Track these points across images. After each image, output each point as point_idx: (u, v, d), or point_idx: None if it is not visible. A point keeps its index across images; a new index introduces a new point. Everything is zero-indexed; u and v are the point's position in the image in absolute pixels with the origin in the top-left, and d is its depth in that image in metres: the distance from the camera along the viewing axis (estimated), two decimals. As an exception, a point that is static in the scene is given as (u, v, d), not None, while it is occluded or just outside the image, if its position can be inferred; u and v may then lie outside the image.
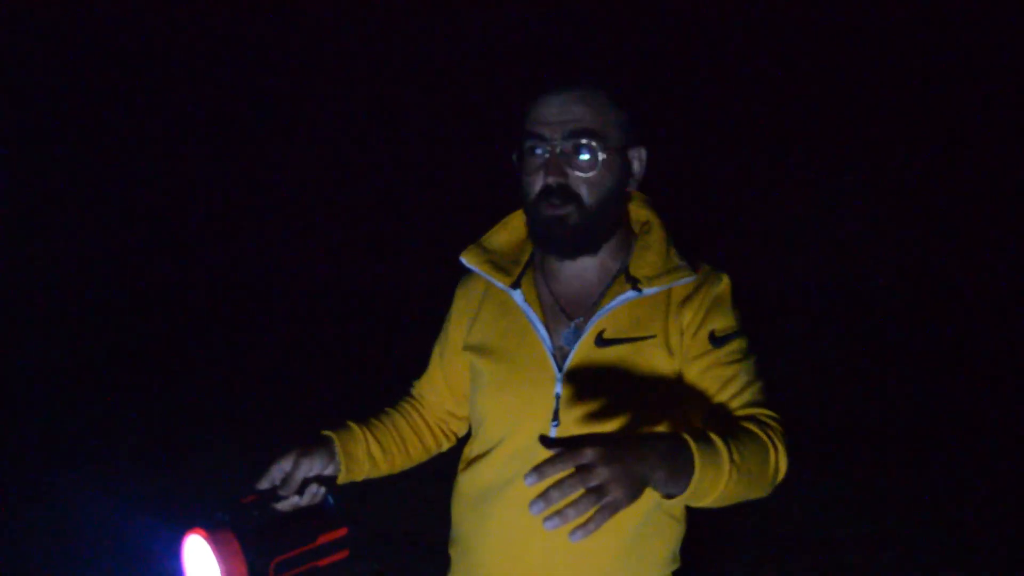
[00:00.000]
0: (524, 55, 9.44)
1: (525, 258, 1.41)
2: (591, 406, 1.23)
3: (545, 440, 0.89)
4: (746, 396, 1.19)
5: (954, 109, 8.74)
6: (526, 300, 1.33)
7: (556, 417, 1.25)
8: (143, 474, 4.23)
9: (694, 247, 1.34)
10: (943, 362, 6.30)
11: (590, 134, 1.22)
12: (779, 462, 1.11)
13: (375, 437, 1.42)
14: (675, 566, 1.34)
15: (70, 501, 3.88)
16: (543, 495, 0.83)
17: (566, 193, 1.23)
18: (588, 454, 0.85)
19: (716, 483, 0.99)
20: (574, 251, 1.29)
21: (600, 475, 0.84)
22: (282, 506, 1.13)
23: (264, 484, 1.15)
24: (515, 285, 1.35)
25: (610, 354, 1.24)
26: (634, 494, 0.87)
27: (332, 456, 1.30)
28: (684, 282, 1.27)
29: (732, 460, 1.01)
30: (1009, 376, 5.87)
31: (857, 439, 4.85)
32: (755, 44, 9.35)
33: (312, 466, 1.23)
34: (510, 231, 1.44)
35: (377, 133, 10.66)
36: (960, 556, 3.48)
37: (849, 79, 9.20)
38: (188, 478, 4.19)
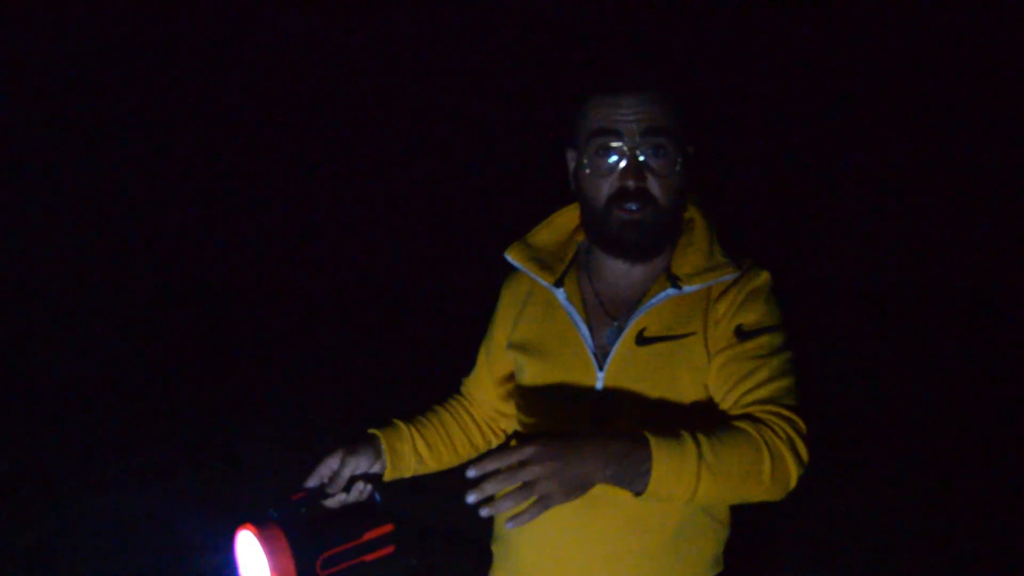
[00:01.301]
0: (551, 53, 9.44)
1: (569, 256, 1.41)
2: (631, 403, 1.23)
3: (508, 437, 0.97)
4: (760, 393, 1.15)
5: (984, 103, 8.52)
6: (569, 299, 1.33)
7: (596, 415, 1.26)
8: (197, 468, 4.33)
9: (741, 244, 1.31)
10: (958, 364, 6.17)
11: (668, 135, 1.21)
12: (776, 462, 1.07)
13: (421, 435, 1.44)
14: (717, 569, 1.32)
15: (124, 494, 3.99)
16: (479, 488, 0.93)
17: (644, 196, 1.21)
18: (526, 451, 0.94)
19: (680, 480, 1.01)
20: (645, 254, 1.28)
21: (532, 472, 0.93)
22: (330, 503, 1.17)
23: (312, 482, 1.19)
24: (559, 283, 1.35)
25: (651, 352, 1.23)
26: (569, 491, 0.95)
27: (378, 454, 1.32)
28: (725, 279, 1.24)
29: (701, 457, 1.02)
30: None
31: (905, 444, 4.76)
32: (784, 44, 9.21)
33: (358, 464, 1.26)
34: (554, 229, 1.44)
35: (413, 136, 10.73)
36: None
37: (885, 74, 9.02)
38: (242, 473, 4.28)
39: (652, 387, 1.22)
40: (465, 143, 10.60)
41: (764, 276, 1.26)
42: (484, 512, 0.93)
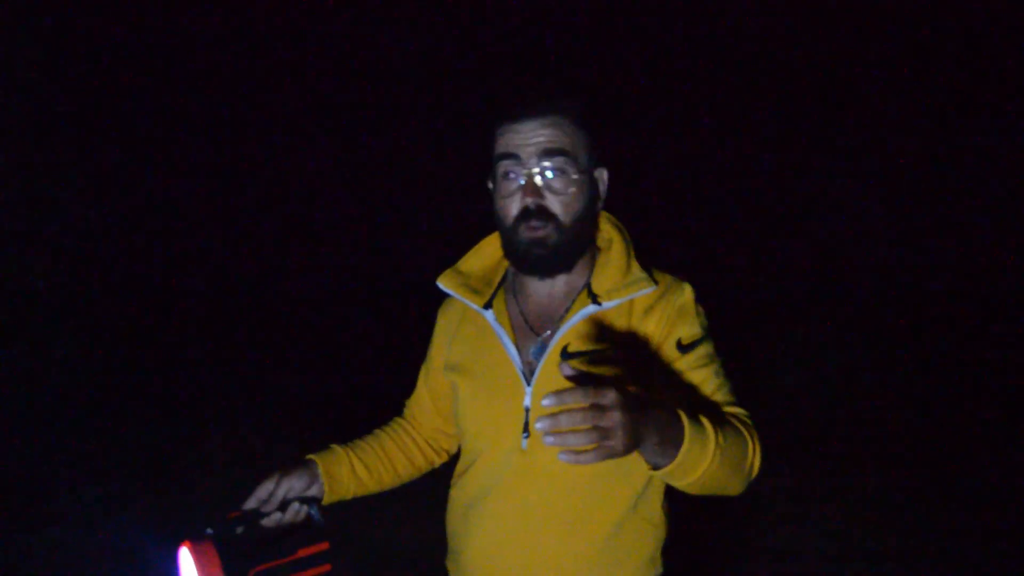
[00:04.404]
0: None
1: (498, 279, 1.49)
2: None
3: (565, 368, 0.97)
4: (719, 397, 1.25)
5: (975, 105, 8.65)
6: (497, 320, 1.40)
7: (526, 429, 1.32)
8: (150, 497, 4.28)
9: (657, 259, 1.40)
10: (955, 370, 6.31)
11: (563, 155, 1.28)
12: (754, 458, 1.17)
13: (360, 458, 1.49)
14: (656, 570, 1.38)
15: (76, 519, 3.93)
16: (553, 416, 0.90)
17: (544, 214, 1.29)
18: (610, 396, 0.92)
19: (700, 461, 1.06)
20: (552, 270, 1.35)
21: (612, 418, 0.91)
22: (267, 522, 1.21)
23: (250, 503, 1.24)
24: (487, 306, 1.42)
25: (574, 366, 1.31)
26: (629, 448, 0.94)
27: (315, 477, 1.38)
28: (643, 293, 1.31)
29: (718, 443, 1.08)
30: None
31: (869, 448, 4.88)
32: (758, 42, 9.35)
33: (293, 486, 1.32)
34: (483, 255, 1.51)
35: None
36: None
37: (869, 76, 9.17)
38: (197, 500, 4.24)
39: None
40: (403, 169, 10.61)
41: (687, 290, 1.33)
42: (548, 440, 0.90)
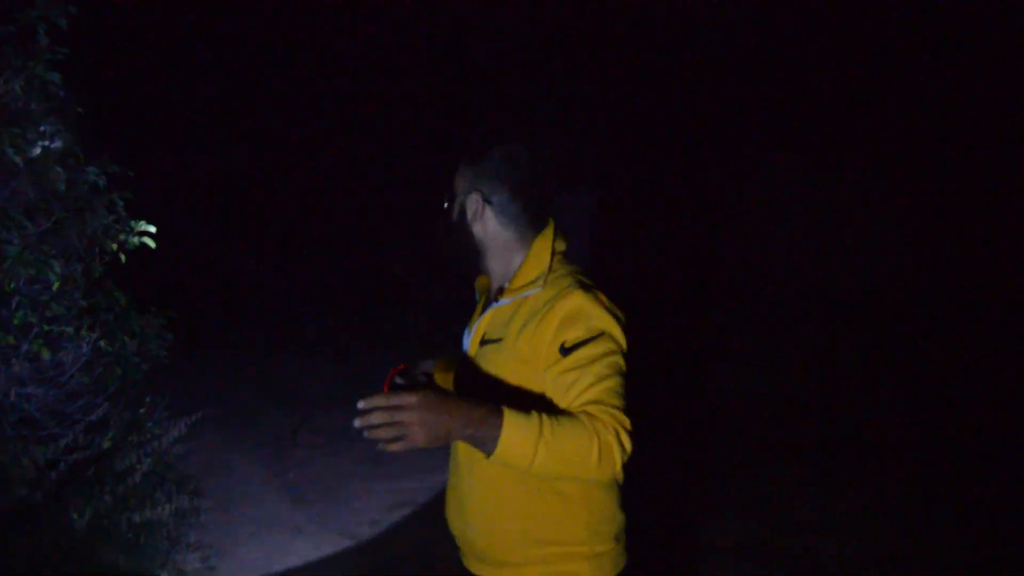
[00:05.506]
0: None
1: None
2: (470, 392, 1.50)
3: (395, 382, 1.41)
4: (587, 395, 1.37)
5: (961, 106, 8.69)
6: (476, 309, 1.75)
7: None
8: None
9: (572, 268, 1.57)
10: (948, 371, 6.35)
11: (447, 188, 1.65)
12: (603, 448, 1.29)
13: None
14: (594, 549, 1.52)
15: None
16: (366, 414, 1.20)
17: (446, 231, 1.65)
18: (406, 399, 1.21)
19: (523, 452, 1.25)
20: (458, 270, 1.69)
21: (407, 417, 1.20)
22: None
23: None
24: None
25: (484, 352, 1.56)
26: (432, 440, 1.22)
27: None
28: (528, 294, 1.52)
29: (542, 434, 1.26)
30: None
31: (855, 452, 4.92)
32: (755, 41, 9.42)
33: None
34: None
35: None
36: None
37: (855, 77, 9.22)
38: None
39: (483, 381, 1.53)
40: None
41: (576, 297, 1.45)
42: (365, 434, 1.21)
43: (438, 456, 4.41)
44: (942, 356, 6.70)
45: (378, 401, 1.21)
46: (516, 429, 1.26)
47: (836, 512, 4.10)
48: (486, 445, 1.26)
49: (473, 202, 1.60)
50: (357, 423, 1.20)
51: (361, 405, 1.21)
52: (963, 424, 5.35)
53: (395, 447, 1.22)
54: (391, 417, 1.20)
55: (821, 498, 4.26)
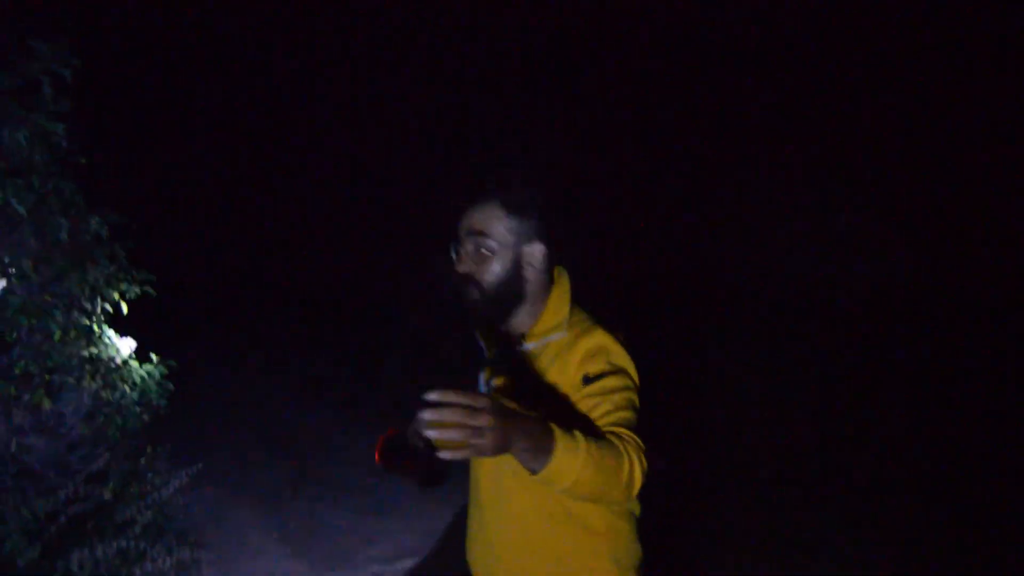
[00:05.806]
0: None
1: None
2: None
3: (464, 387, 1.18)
4: (609, 419, 1.43)
5: (955, 109, 8.80)
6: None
7: None
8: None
9: (590, 311, 1.65)
10: (943, 381, 6.33)
11: (479, 234, 1.57)
12: (632, 470, 1.31)
13: None
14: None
15: None
16: (438, 412, 1.09)
17: (466, 279, 1.59)
18: (482, 402, 1.11)
19: (572, 467, 1.22)
20: (475, 322, 1.67)
21: (482, 420, 1.10)
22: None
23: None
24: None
25: (505, 393, 1.59)
26: (496, 450, 1.12)
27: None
28: (554, 338, 1.58)
29: (589, 453, 1.24)
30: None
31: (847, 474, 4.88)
32: (753, 43, 9.55)
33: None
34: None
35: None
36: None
37: (849, 80, 9.34)
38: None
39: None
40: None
41: (596, 336, 1.55)
42: (430, 433, 1.10)
43: (439, 506, 4.43)
44: (942, 356, 6.70)
45: (455, 397, 1.09)
46: (566, 448, 1.23)
47: (836, 523, 4.09)
48: (538, 459, 1.21)
49: (537, 252, 1.60)
50: (427, 416, 1.08)
51: (433, 397, 1.09)
52: (963, 424, 5.36)
53: (461, 454, 1.10)
54: (468, 419, 1.09)
55: (822, 507, 4.25)
